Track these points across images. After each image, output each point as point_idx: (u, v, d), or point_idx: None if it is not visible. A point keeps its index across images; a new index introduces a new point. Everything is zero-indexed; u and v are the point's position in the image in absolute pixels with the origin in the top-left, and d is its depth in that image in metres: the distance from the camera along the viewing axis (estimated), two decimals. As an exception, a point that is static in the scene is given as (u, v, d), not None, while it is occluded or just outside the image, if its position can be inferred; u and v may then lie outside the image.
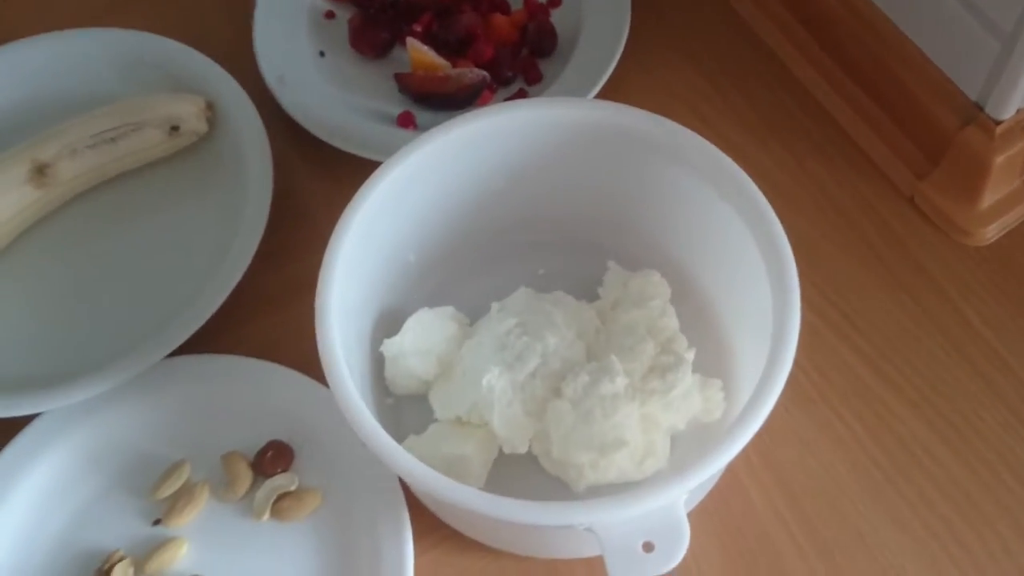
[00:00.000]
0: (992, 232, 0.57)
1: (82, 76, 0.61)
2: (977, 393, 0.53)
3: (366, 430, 0.42)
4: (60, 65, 0.61)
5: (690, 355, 0.49)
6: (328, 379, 0.44)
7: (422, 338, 0.51)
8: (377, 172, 0.49)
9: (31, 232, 0.58)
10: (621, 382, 0.47)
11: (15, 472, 0.51)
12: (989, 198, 0.57)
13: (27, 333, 0.55)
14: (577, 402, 0.47)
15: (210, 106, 0.59)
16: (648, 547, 0.39)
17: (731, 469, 0.51)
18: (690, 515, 0.41)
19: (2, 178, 0.56)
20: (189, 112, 0.58)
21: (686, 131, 0.48)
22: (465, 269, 0.55)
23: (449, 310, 0.53)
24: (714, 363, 0.51)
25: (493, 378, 0.48)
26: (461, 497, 0.40)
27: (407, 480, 0.42)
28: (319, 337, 0.45)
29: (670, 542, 0.39)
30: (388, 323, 0.52)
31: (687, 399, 0.49)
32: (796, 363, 0.43)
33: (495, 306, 0.52)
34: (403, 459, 0.41)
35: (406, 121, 0.61)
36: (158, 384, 0.52)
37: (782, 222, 0.45)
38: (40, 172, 0.57)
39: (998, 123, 0.54)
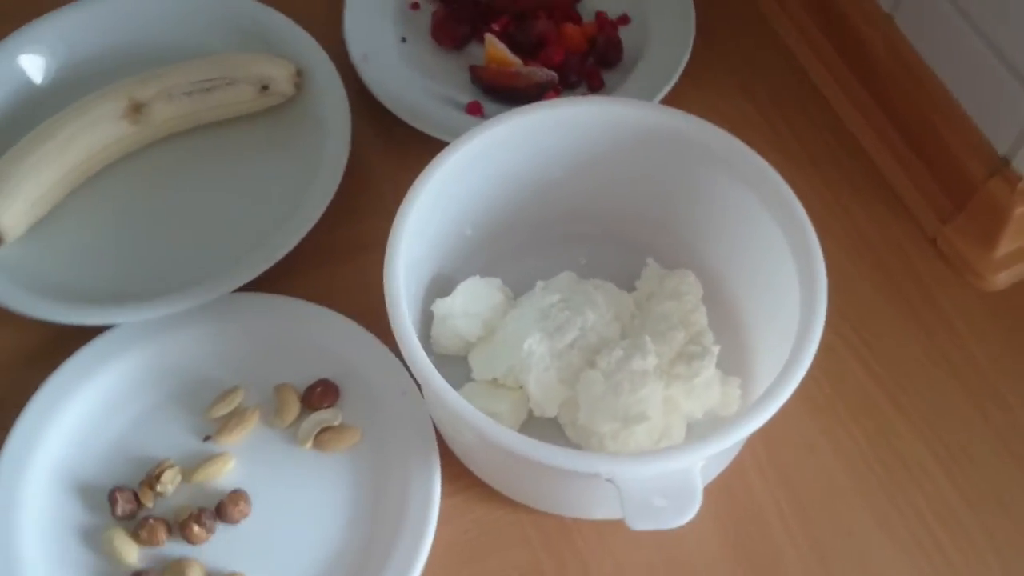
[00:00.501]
0: (1004, 279, 0.61)
1: (186, 30, 0.66)
2: (975, 423, 0.57)
3: (423, 370, 0.46)
4: (168, 17, 0.66)
5: (716, 349, 0.54)
6: (392, 323, 0.47)
7: (470, 302, 0.55)
8: (449, 147, 0.53)
9: (123, 163, 0.62)
10: (651, 360, 0.51)
11: (85, 374, 0.55)
12: (1005, 247, 0.61)
13: (111, 254, 0.60)
14: (609, 374, 0.51)
15: (300, 72, 0.64)
16: (663, 503, 0.43)
17: (739, 460, 0.54)
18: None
19: (100, 111, 0.61)
20: (280, 75, 0.63)
21: (739, 143, 0.52)
22: (515, 249, 0.59)
23: (497, 282, 0.57)
24: (735, 362, 0.55)
25: (534, 343, 0.52)
26: (505, 438, 0.44)
27: (457, 417, 0.45)
28: (387, 288, 0.48)
29: (683, 501, 0.43)
30: (438, 288, 0.57)
31: (708, 389, 0.53)
32: (812, 375, 0.47)
33: (540, 283, 0.56)
34: (455, 398, 0.45)
35: (474, 109, 0.66)
36: (224, 315, 0.57)
37: (815, 247, 0.49)
38: (136, 110, 0.61)
39: (1021, 178, 0.58)
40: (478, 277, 0.57)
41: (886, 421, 0.57)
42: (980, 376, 0.58)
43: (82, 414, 0.55)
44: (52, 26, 0.65)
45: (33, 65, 0.64)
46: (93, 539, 0.52)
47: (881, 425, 0.57)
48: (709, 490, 0.53)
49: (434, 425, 0.54)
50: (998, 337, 0.60)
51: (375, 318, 0.54)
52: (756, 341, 0.55)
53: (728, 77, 0.68)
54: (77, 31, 0.65)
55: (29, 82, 0.64)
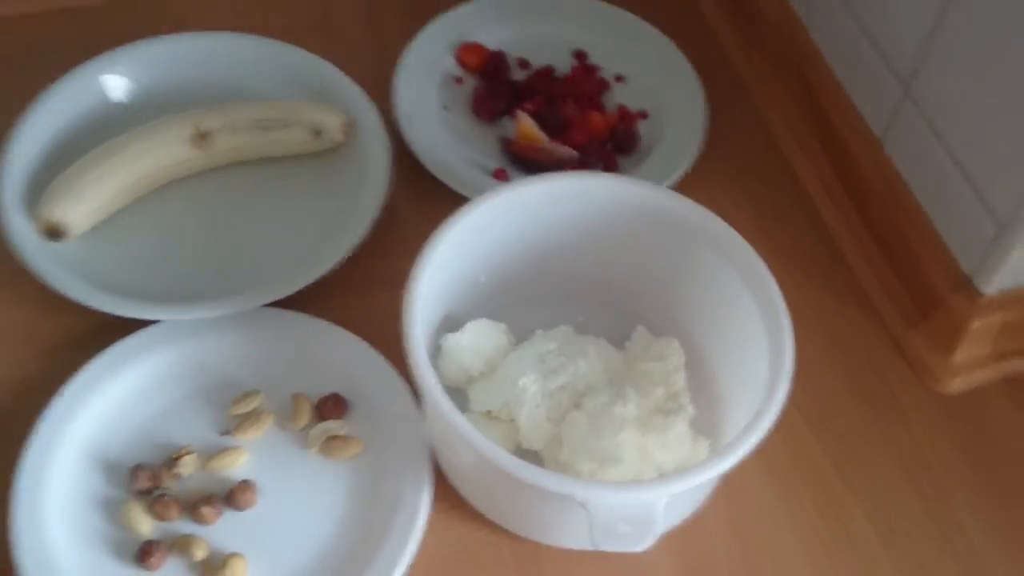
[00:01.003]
0: (959, 384, 0.67)
1: (254, 74, 0.73)
2: (915, 507, 0.62)
3: (431, 391, 0.52)
4: (240, 61, 0.73)
5: (690, 409, 0.60)
6: (407, 349, 0.53)
7: (476, 341, 0.62)
8: (473, 202, 0.59)
9: (184, 183, 0.69)
10: (632, 408, 0.57)
11: (124, 362, 0.61)
12: (962, 356, 0.67)
13: (163, 259, 0.67)
14: (593, 416, 0.57)
15: (350, 123, 0.71)
16: (627, 529, 0.49)
17: (701, 514, 0.60)
18: (661, 535, 0.50)
19: (170, 133, 0.68)
20: (333, 123, 0.70)
21: (729, 228, 0.59)
22: (522, 300, 0.65)
23: (502, 326, 0.63)
24: (707, 425, 0.61)
25: (529, 381, 0.58)
26: (497, 455, 0.49)
27: (457, 435, 0.51)
28: (404, 319, 0.53)
29: (644, 530, 0.49)
30: (448, 326, 0.63)
31: (679, 443, 0.59)
32: (773, 445, 0.53)
33: (540, 332, 0.63)
34: (457, 417, 0.51)
35: (501, 175, 0.73)
36: (255, 325, 0.63)
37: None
38: (201, 137, 0.69)
39: (981, 295, 0.65)
40: (485, 319, 0.63)
41: (836, 496, 0.62)
42: (926, 468, 0.64)
43: (116, 397, 0.61)
44: (137, 54, 0.72)
45: (115, 85, 0.72)
46: (111, 510, 0.58)
47: (831, 499, 0.62)
48: (672, 537, 0.58)
49: (430, 446, 0.60)
50: (948, 436, 0.65)
51: (388, 344, 0.61)
52: (727, 408, 0.61)
53: (728, 173, 0.76)
54: (158, 61, 0.73)
55: (108, 99, 0.72)
